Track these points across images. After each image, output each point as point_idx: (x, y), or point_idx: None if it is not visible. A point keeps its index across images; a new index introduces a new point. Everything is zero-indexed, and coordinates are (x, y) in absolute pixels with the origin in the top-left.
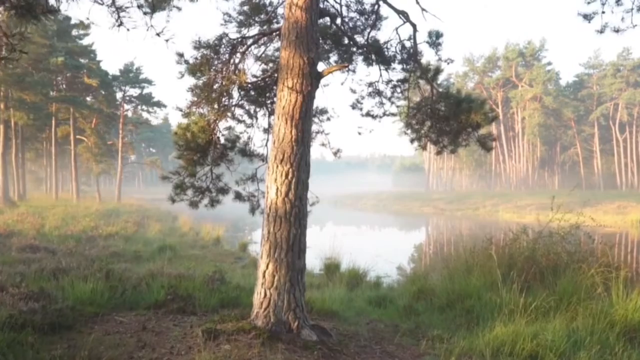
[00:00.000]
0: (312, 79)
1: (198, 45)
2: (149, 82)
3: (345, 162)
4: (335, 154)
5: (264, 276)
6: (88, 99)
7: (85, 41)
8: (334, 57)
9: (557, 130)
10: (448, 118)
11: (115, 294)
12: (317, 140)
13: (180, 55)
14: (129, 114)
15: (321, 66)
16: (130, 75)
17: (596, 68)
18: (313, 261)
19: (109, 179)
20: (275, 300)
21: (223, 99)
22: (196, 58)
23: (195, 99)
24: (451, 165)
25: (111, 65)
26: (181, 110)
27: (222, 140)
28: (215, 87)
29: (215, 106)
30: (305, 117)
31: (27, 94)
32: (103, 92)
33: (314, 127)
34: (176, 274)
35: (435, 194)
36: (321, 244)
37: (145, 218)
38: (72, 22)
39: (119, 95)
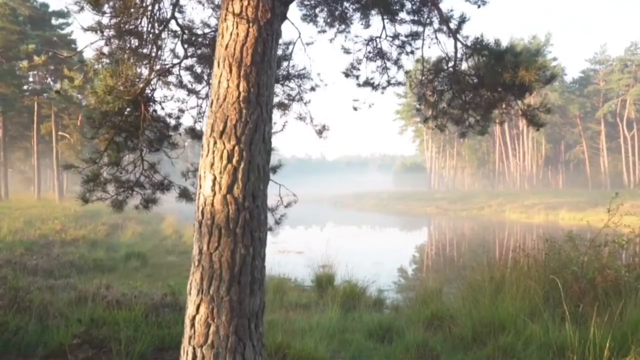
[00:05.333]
0: (274, 2)
1: None
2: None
3: (345, 162)
4: (320, 132)
5: (192, 325)
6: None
7: (66, 31)
8: (322, 14)
9: (562, 128)
10: (478, 85)
11: (3, 335)
12: (292, 111)
13: None
14: None
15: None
16: None
17: (603, 63)
18: (303, 270)
19: None
20: None
21: (159, 54)
22: None
23: (104, 45)
24: (453, 164)
25: None
26: (83, 62)
27: (163, 115)
28: (139, 29)
29: (145, 69)
30: (262, 63)
31: None
32: (87, 86)
33: (286, 90)
34: (113, 297)
35: (438, 193)
36: (316, 249)
37: (126, 219)
38: (51, 9)
39: None
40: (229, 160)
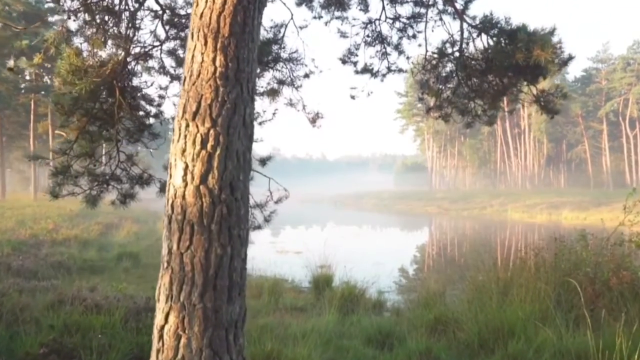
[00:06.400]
0: None
1: None
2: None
3: (346, 162)
4: (313, 121)
5: (160, 337)
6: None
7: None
8: None
9: (564, 127)
10: (485, 70)
11: None
12: (281, 97)
13: None
14: None
15: None
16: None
17: (605, 62)
18: (301, 271)
19: None
20: None
21: (136, 35)
22: None
23: (67, 19)
24: (454, 164)
25: None
26: (43, 37)
27: (142, 102)
28: (109, 5)
29: (121, 51)
30: (242, 35)
31: None
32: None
33: (277, 75)
34: (92, 301)
35: (439, 192)
36: (315, 248)
37: (122, 219)
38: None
39: None
40: (203, 145)
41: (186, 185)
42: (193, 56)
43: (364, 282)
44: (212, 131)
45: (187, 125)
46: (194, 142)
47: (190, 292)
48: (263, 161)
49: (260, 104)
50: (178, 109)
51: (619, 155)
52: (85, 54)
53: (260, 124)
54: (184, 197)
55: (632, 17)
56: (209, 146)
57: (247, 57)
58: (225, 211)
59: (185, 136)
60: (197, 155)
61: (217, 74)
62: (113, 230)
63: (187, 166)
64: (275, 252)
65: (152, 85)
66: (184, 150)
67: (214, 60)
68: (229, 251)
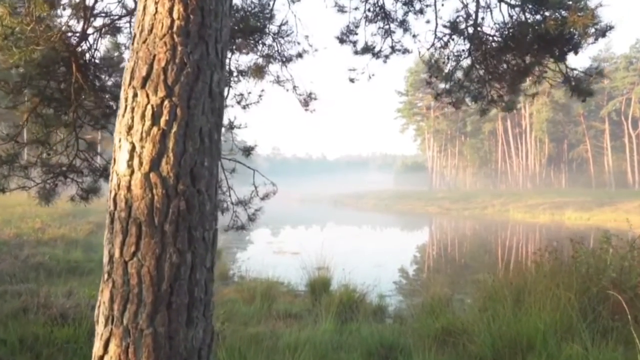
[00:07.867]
0: None
1: None
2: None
3: (345, 162)
4: (305, 103)
5: None
6: None
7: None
8: None
9: (566, 127)
10: (503, 49)
11: None
12: (269, 76)
13: None
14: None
15: None
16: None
17: (607, 61)
18: (298, 273)
19: None
20: None
21: (98, 2)
22: None
23: None
24: (455, 164)
25: None
26: None
27: (109, 82)
28: None
29: (79, 21)
30: None
31: None
32: None
33: (263, 49)
34: (58, 310)
35: (439, 192)
36: (314, 249)
37: None
38: None
39: None
40: (155, 120)
41: (132, 172)
42: (145, 7)
43: (364, 285)
44: (166, 102)
45: (135, 95)
46: (142, 117)
47: (137, 313)
48: (247, 151)
49: (245, 85)
50: (125, 75)
51: (620, 155)
52: (27, 18)
53: (244, 107)
54: (129, 188)
55: (634, 16)
56: (162, 121)
57: (214, 8)
58: (184, 207)
59: (133, 109)
60: (146, 134)
61: (175, 28)
62: (104, 230)
63: (133, 148)
64: (272, 253)
65: (120, 63)
66: (130, 127)
67: (170, 11)
68: (188, 259)
